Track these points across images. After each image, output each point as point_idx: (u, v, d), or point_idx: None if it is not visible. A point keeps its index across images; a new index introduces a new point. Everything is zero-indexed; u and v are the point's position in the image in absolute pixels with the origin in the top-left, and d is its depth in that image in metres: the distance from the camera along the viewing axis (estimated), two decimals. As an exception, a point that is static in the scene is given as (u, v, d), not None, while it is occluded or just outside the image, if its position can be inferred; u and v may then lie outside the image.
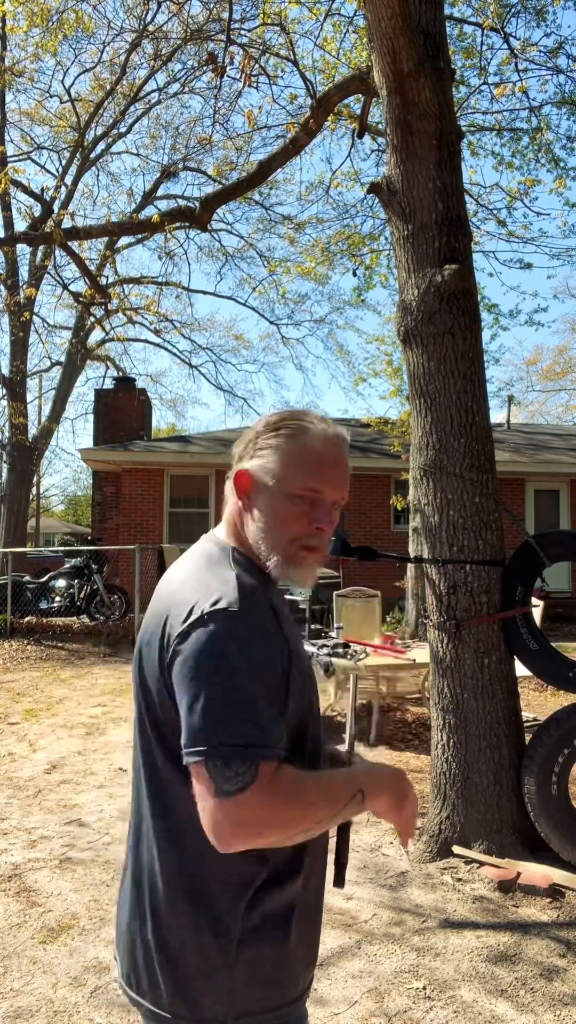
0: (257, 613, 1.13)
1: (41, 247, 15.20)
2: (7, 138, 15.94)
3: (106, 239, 13.51)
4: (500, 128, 8.68)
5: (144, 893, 1.20)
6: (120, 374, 20.74)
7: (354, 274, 10.24)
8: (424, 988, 2.70)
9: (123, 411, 16.64)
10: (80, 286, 12.55)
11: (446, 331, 3.81)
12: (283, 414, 1.28)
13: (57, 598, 12.46)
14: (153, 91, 16.36)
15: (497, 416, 20.74)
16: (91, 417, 18.59)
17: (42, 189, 14.46)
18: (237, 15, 9.89)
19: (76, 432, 78.36)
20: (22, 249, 17.16)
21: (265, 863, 1.15)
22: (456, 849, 3.67)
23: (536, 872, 3.46)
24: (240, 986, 1.13)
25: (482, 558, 3.75)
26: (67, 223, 9.42)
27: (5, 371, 18.53)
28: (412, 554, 10.07)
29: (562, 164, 8.81)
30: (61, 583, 12.52)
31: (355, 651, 6.17)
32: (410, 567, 11.08)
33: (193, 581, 1.18)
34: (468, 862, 3.62)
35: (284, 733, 1.10)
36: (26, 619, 11.89)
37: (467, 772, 3.69)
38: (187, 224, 8.52)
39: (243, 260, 19.49)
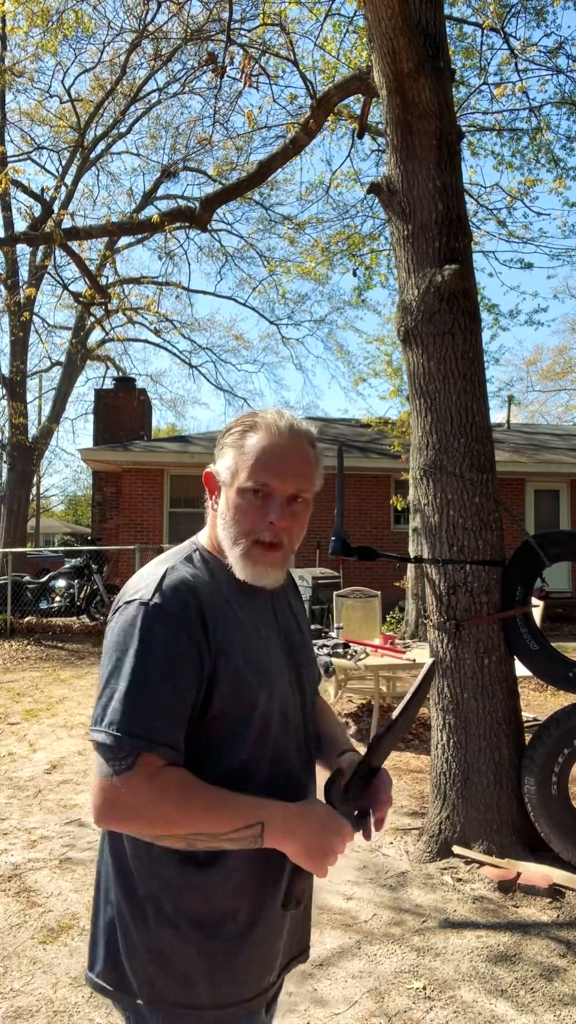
0: (171, 609, 1.16)
1: (41, 247, 15.20)
2: (7, 138, 15.92)
3: (106, 239, 13.51)
4: (500, 128, 8.68)
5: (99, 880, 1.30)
6: (120, 374, 20.74)
7: (354, 274, 10.24)
8: (424, 988, 2.70)
9: (123, 411, 16.64)
10: (80, 286, 12.56)
11: (446, 331, 3.81)
12: (242, 414, 1.31)
13: (57, 598, 12.47)
14: (153, 91, 16.35)
15: (497, 416, 20.75)
16: (91, 417, 18.59)
17: (42, 189, 14.44)
18: (237, 15, 9.89)
19: (76, 432, 78.56)
20: (22, 249, 17.14)
21: (190, 864, 1.18)
22: (456, 849, 3.67)
23: (536, 872, 3.46)
24: (154, 971, 1.19)
25: (482, 558, 3.75)
26: (67, 223, 9.43)
27: (5, 371, 18.52)
28: (412, 554, 10.06)
29: (562, 164, 8.82)
30: (61, 583, 12.52)
31: (355, 651, 6.17)
32: (410, 567, 11.08)
33: (138, 574, 1.26)
34: (468, 862, 3.62)
35: (177, 729, 1.13)
36: (26, 619, 11.89)
37: (467, 772, 3.69)
38: (187, 224, 8.53)
39: (243, 260, 19.47)
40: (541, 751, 3.56)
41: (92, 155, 16.79)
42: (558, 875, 3.44)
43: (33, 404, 23.87)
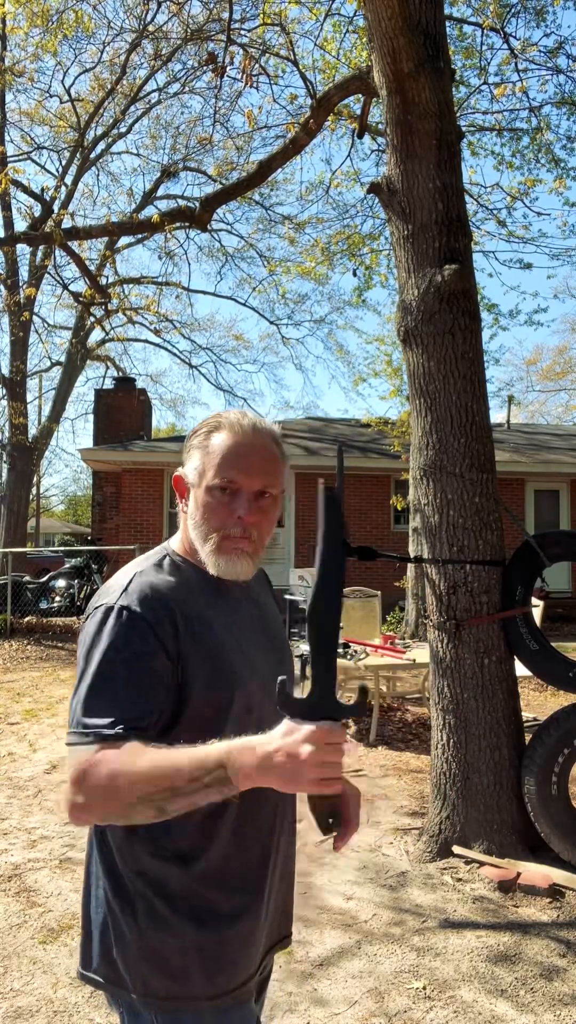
0: (137, 610, 1.17)
1: (41, 247, 15.20)
2: (7, 138, 15.92)
3: (106, 239, 13.52)
4: (500, 128, 8.69)
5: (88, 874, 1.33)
6: (120, 374, 20.74)
7: (354, 274, 10.25)
8: (424, 988, 2.70)
9: (123, 411, 16.64)
10: (80, 286, 12.55)
11: (446, 331, 3.81)
12: (206, 417, 1.33)
13: (57, 598, 12.48)
14: (153, 91, 16.34)
15: (497, 416, 20.73)
16: (91, 417, 18.59)
17: (42, 189, 14.42)
18: (237, 15, 9.88)
19: (76, 432, 78.52)
20: (22, 249, 17.14)
21: (174, 859, 1.20)
22: (456, 849, 3.67)
23: (536, 872, 3.46)
24: (146, 967, 1.22)
25: (482, 558, 3.75)
26: (67, 223, 9.43)
27: (5, 371, 18.52)
28: (412, 554, 10.07)
29: (562, 164, 8.83)
30: (61, 583, 12.53)
31: (355, 651, 6.17)
32: (410, 567, 11.08)
33: (108, 581, 1.29)
34: (468, 862, 3.62)
35: (142, 710, 1.12)
36: (26, 619, 11.89)
37: (467, 772, 3.69)
38: (187, 224, 8.53)
39: (243, 260, 19.46)
40: (541, 751, 3.56)
41: (92, 155, 16.79)
42: (558, 875, 3.44)
43: (33, 404, 23.89)
